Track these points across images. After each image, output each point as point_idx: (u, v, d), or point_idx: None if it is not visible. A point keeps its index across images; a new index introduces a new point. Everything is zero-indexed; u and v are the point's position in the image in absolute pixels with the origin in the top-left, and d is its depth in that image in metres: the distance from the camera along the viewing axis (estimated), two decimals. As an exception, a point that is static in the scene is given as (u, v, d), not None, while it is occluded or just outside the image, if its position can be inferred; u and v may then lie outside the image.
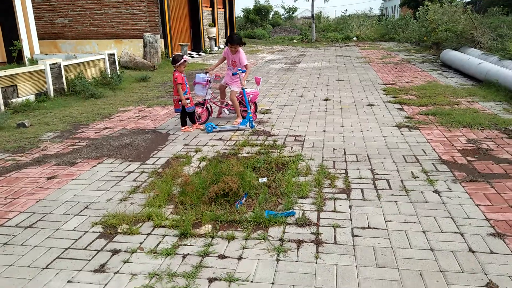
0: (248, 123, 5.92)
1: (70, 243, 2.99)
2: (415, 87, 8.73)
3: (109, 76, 9.93)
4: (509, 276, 2.44)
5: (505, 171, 4.03)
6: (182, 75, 5.82)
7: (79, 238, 3.06)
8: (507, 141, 4.93)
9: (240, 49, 6.27)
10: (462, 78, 9.82)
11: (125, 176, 4.27)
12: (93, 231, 3.15)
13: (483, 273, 2.47)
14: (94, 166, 4.60)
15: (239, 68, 6.13)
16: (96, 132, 6.00)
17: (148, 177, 4.23)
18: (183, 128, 5.96)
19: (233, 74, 6.21)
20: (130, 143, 5.43)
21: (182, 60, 5.78)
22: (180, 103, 5.85)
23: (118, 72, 10.56)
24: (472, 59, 10.04)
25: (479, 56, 10.50)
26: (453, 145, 4.90)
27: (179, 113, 6.02)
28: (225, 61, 6.57)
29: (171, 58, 14.58)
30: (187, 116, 5.98)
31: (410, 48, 18.05)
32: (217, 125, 6.01)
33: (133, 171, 4.41)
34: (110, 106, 7.78)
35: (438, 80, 9.60)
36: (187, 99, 5.83)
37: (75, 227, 3.22)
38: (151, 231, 3.12)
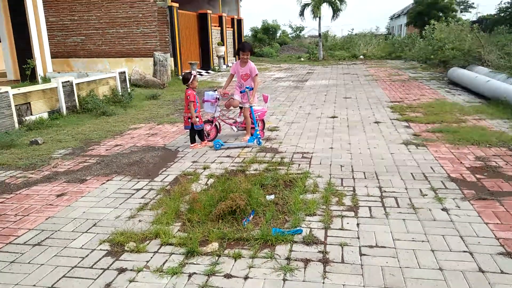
0: (256, 140, 5.97)
1: (77, 261, 3.01)
2: (422, 104, 8.74)
3: (120, 94, 10.09)
4: (519, 297, 2.41)
5: (515, 189, 4.00)
6: (194, 93, 5.92)
7: (86, 256, 3.08)
8: (517, 159, 4.90)
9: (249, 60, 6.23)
10: (469, 95, 9.81)
11: (133, 193, 4.31)
12: (100, 249, 3.17)
13: (493, 294, 2.44)
14: (104, 183, 4.65)
15: (247, 86, 6.16)
16: (106, 149, 6.08)
17: (157, 194, 4.26)
18: (192, 145, 6.02)
19: (241, 92, 6.21)
20: (139, 160, 5.49)
21: (192, 76, 5.89)
22: (190, 120, 5.92)
23: (129, 90, 10.73)
24: (480, 76, 10.05)
25: (487, 74, 10.51)
26: (461, 162, 4.88)
27: (188, 130, 6.08)
28: (234, 79, 6.59)
29: (181, 77, 14.81)
30: (196, 134, 6.05)
31: (417, 66, 18.10)
32: (225, 142, 6.06)
33: (141, 188, 4.45)
34: (121, 123, 7.89)
35: (445, 97, 9.60)
36: (197, 117, 5.89)
37: (82, 245, 3.24)
38: (158, 249, 3.14)
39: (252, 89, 6.15)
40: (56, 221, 3.70)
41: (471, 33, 14.39)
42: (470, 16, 46.67)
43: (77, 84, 9.07)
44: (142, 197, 4.20)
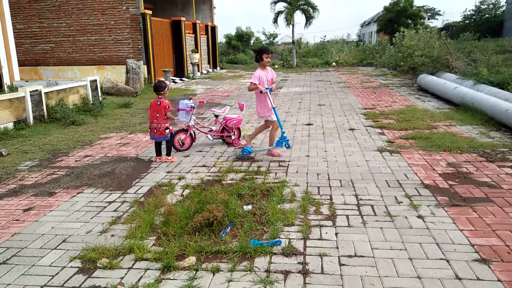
0: (284, 142, 5.56)
1: (46, 280, 2.86)
2: (394, 111, 8.91)
3: (91, 102, 9.83)
4: (496, 303, 2.44)
5: (486, 194, 4.09)
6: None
7: (56, 274, 2.93)
8: (486, 165, 5.03)
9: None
10: (439, 102, 10.08)
11: (105, 207, 4.16)
12: (71, 266, 3.03)
13: (471, 301, 2.46)
14: (74, 196, 4.47)
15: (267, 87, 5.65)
16: (76, 160, 5.87)
17: (130, 207, 4.13)
18: (170, 157, 5.81)
19: (270, 90, 5.68)
20: (111, 171, 5.33)
21: (168, 87, 5.76)
22: (167, 131, 5.70)
23: (100, 98, 10.47)
24: (448, 83, 10.35)
25: (455, 80, 10.84)
26: (434, 169, 4.97)
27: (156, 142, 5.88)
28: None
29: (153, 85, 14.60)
30: (170, 146, 5.85)
31: (387, 73, 18.52)
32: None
33: (114, 201, 4.30)
34: (92, 133, 7.66)
35: (416, 104, 9.83)
36: (167, 128, 5.70)
37: (52, 262, 3.09)
38: (133, 264, 3.02)
39: (271, 89, 5.74)
40: (23, 237, 3.52)
41: (439, 40, 14.86)
42: (437, 23, 48.36)
43: (46, 93, 8.78)
44: (115, 210, 4.06)
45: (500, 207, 3.77)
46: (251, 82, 5.67)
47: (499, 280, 2.66)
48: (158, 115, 5.61)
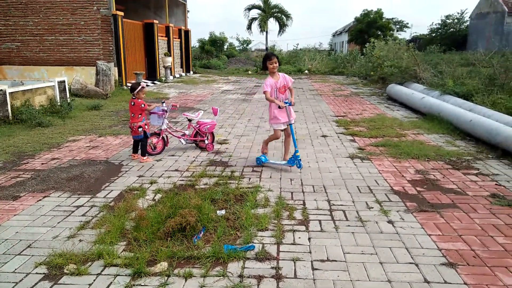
0: (296, 162, 5.21)
1: (10, 287, 2.73)
2: (365, 119, 9.11)
3: (59, 104, 9.53)
4: (462, 306, 2.52)
5: (452, 201, 4.24)
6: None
7: (20, 281, 2.80)
8: (452, 172, 5.22)
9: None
10: (407, 111, 10.39)
11: (73, 211, 4.02)
12: (36, 273, 2.90)
13: (439, 304, 2.53)
14: (40, 200, 4.31)
15: (286, 100, 5.29)
16: (42, 163, 5.66)
17: (99, 211, 4.01)
18: (145, 158, 5.79)
19: (289, 105, 5.26)
20: (79, 174, 5.17)
21: (140, 87, 5.71)
22: (140, 129, 5.72)
23: (69, 100, 10.17)
24: (416, 93, 10.70)
25: (422, 91, 11.22)
26: (403, 175, 5.10)
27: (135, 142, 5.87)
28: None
29: (125, 87, 14.31)
30: (145, 146, 5.84)
31: (358, 82, 18.95)
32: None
33: (82, 205, 4.17)
34: (59, 135, 7.41)
35: (385, 113, 10.10)
36: (140, 127, 5.71)
37: (16, 269, 2.95)
38: (102, 270, 2.93)
39: (291, 103, 5.28)
40: (-16, 243, 3.35)
41: (408, 52, 15.35)
42: (405, 35, 49.95)
43: (11, 93, 8.44)
44: (83, 215, 3.93)
45: (465, 213, 3.91)
46: (264, 91, 5.30)
47: (465, 283, 2.75)
48: (132, 114, 5.73)
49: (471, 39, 32.57)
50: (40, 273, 2.90)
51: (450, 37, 33.89)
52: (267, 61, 5.29)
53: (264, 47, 28.34)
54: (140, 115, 5.72)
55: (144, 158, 5.80)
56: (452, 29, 35.17)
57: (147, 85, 16.47)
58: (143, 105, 5.72)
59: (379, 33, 32.12)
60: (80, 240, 3.39)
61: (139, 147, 5.86)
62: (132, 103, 5.73)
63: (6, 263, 3.04)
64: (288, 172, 5.26)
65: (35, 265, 2.99)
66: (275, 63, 5.26)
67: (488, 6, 30.36)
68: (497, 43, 24.22)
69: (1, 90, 8.04)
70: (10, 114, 8.24)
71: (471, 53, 16.76)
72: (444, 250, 3.19)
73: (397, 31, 45.14)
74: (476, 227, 3.62)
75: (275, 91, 5.36)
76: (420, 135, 7.38)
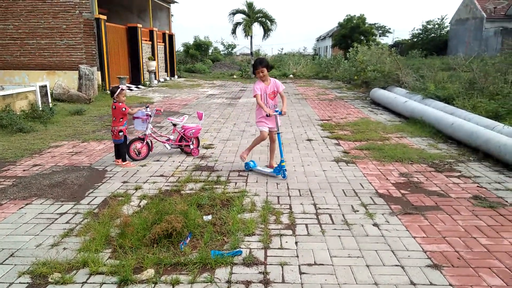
0: (282, 172, 5.16)
1: (-8, 297, 2.66)
2: (349, 123, 9.20)
3: (40, 109, 9.35)
4: (448, 307, 2.56)
5: (436, 203, 4.31)
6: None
7: (3, 291, 2.74)
8: (435, 175, 5.31)
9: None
10: (390, 115, 10.54)
11: (57, 218, 3.95)
12: (20, 282, 2.84)
13: (425, 305, 2.57)
14: (22, 207, 4.21)
15: (276, 109, 5.37)
16: (24, 170, 5.55)
17: (83, 218, 3.95)
18: (124, 163, 5.75)
19: (279, 114, 5.32)
20: (62, 181, 5.08)
21: (119, 90, 5.67)
22: (120, 134, 5.68)
23: (51, 105, 9.99)
24: (398, 97, 10.87)
25: (405, 94, 11.40)
26: (387, 178, 5.17)
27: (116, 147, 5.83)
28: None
29: (108, 91, 14.15)
30: (124, 150, 5.80)
31: (342, 86, 19.14)
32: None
33: (66, 212, 4.10)
34: (41, 141, 7.28)
35: (369, 116, 10.22)
36: (121, 131, 5.69)
37: (-3, 279, 2.88)
38: (87, 279, 2.88)
39: (281, 112, 5.32)
40: (-36, 253, 3.26)
41: (390, 57, 15.59)
42: (387, 40, 50.72)
43: (-9, 97, 8.26)
44: (67, 222, 3.86)
45: (449, 215, 3.98)
46: (255, 95, 5.33)
47: (450, 285, 2.79)
48: (114, 118, 5.73)
49: (451, 44, 33.31)
50: (24, 283, 2.83)
51: (431, 42, 34.57)
52: (255, 70, 5.31)
53: (249, 52, 28.39)
54: (121, 119, 5.69)
55: (124, 163, 5.75)
56: (433, 34, 35.90)
57: (130, 89, 16.33)
58: (124, 109, 5.68)
59: (362, 38, 32.56)
60: (64, 248, 3.33)
61: (120, 151, 5.80)
62: (113, 107, 5.71)
63: (-13, 273, 2.96)
64: (274, 177, 5.27)
65: (19, 275, 2.93)
66: (262, 72, 5.24)
67: (468, 12, 31.12)
68: (476, 48, 24.87)
69: (-19, 95, 7.85)
70: (-10, 120, 8.05)
71: (452, 57, 17.11)
72: (429, 252, 3.24)
73: (380, 36, 45.84)
74: (460, 228, 3.69)
75: (265, 96, 5.35)
76: (403, 138, 7.50)
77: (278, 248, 3.32)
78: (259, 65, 5.26)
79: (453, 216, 3.95)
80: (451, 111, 8.47)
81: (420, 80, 12.92)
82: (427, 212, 4.07)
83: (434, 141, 7.29)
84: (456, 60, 14.56)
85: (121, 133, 5.69)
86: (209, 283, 2.82)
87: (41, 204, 4.33)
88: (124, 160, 5.80)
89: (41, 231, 3.67)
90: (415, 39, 36.47)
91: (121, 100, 5.71)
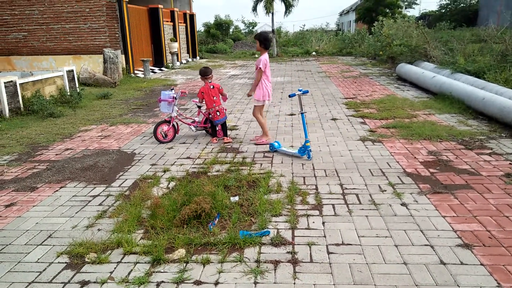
0: (307, 152, 5.15)
1: (34, 276, 2.81)
2: (375, 100, 9.03)
3: (68, 94, 9.59)
4: (480, 287, 2.54)
5: (466, 181, 4.22)
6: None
7: (44, 270, 2.88)
8: (465, 152, 5.18)
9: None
10: (417, 91, 10.27)
11: (90, 201, 4.10)
12: (58, 262, 2.99)
13: (456, 285, 2.56)
14: (56, 190, 4.39)
15: (300, 89, 5.59)
16: (56, 154, 5.74)
17: (115, 200, 4.08)
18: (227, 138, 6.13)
19: (305, 93, 5.50)
20: (93, 164, 5.24)
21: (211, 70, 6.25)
22: (225, 111, 6.12)
23: (78, 89, 10.22)
24: (426, 72, 10.54)
25: (432, 69, 11.05)
26: (415, 157, 5.09)
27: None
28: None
29: (133, 75, 14.30)
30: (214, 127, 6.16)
31: (367, 62, 18.72)
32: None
33: (98, 195, 4.24)
34: (71, 125, 7.49)
35: (395, 93, 9.99)
36: (218, 111, 6.02)
37: (38, 259, 3.04)
38: (122, 258, 3.00)
39: (307, 91, 5.56)
40: (7, 234, 3.44)
41: (417, 30, 15.06)
42: (414, 12, 48.84)
43: (21, 84, 8.51)
44: (100, 204, 4.00)
45: (480, 194, 3.90)
46: (259, 69, 5.69)
47: (481, 264, 2.76)
48: (215, 98, 6.02)
49: (482, 14, 31.78)
50: (63, 262, 2.98)
51: (460, 13, 33.07)
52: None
53: (270, 29, 27.98)
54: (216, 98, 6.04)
55: (227, 138, 6.13)
56: (462, 4, 34.30)
57: (153, 72, 16.46)
58: (221, 87, 6.10)
59: (387, 11, 31.44)
60: (99, 229, 3.47)
61: (218, 129, 6.14)
62: (212, 86, 6.01)
63: (29, 253, 3.12)
64: (299, 157, 5.26)
65: (57, 255, 3.08)
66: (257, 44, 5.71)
67: (500, -21, 29.51)
68: (508, 17, 23.66)
69: (12, 81, 8.10)
70: (22, 106, 8.32)
71: (482, 29, 16.39)
72: (459, 232, 3.20)
73: (406, 8, 44.18)
74: (491, 207, 3.61)
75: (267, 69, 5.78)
76: (431, 115, 7.31)
77: (305, 228, 3.35)
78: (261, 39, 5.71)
79: (484, 195, 3.87)
80: (482, 86, 8.17)
81: (449, 54, 12.47)
82: (457, 191, 4.00)
83: (464, 117, 7.08)
84: (487, 31, 13.95)
85: (225, 110, 6.11)
86: (239, 263, 2.89)
87: (74, 187, 4.49)
88: (226, 135, 6.18)
89: (76, 213, 3.82)
90: (443, 10, 34.97)
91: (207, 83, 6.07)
